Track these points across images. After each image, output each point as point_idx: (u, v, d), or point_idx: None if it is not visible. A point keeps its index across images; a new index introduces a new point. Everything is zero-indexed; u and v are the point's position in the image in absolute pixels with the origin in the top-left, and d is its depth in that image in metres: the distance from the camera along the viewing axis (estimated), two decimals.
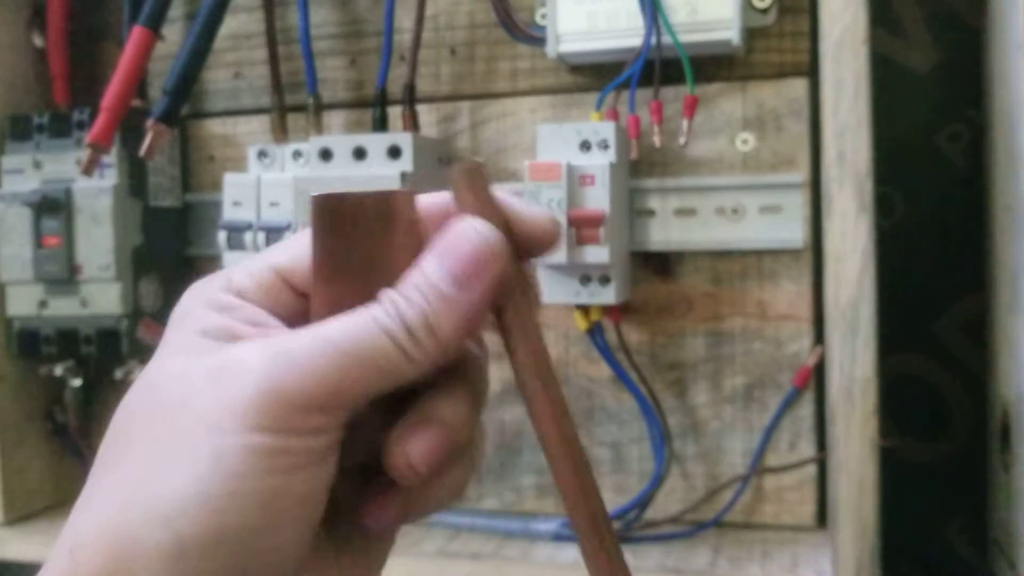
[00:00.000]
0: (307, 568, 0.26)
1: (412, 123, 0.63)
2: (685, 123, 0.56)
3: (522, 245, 0.27)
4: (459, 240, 0.26)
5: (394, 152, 0.60)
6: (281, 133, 0.66)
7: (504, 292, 0.26)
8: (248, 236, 0.62)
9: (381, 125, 0.63)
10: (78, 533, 0.24)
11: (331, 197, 0.25)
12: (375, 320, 0.25)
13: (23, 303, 0.67)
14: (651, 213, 0.61)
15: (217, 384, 0.24)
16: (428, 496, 0.27)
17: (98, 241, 0.64)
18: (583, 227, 0.55)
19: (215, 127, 0.71)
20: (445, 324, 0.25)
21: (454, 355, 0.26)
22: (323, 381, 0.24)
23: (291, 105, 0.66)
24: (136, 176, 0.66)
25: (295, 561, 0.25)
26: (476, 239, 0.26)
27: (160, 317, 0.66)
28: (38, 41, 0.71)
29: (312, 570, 0.27)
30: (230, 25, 0.68)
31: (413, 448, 0.26)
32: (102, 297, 0.65)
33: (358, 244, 0.25)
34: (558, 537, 0.60)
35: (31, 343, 0.67)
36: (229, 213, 0.64)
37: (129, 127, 0.63)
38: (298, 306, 0.27)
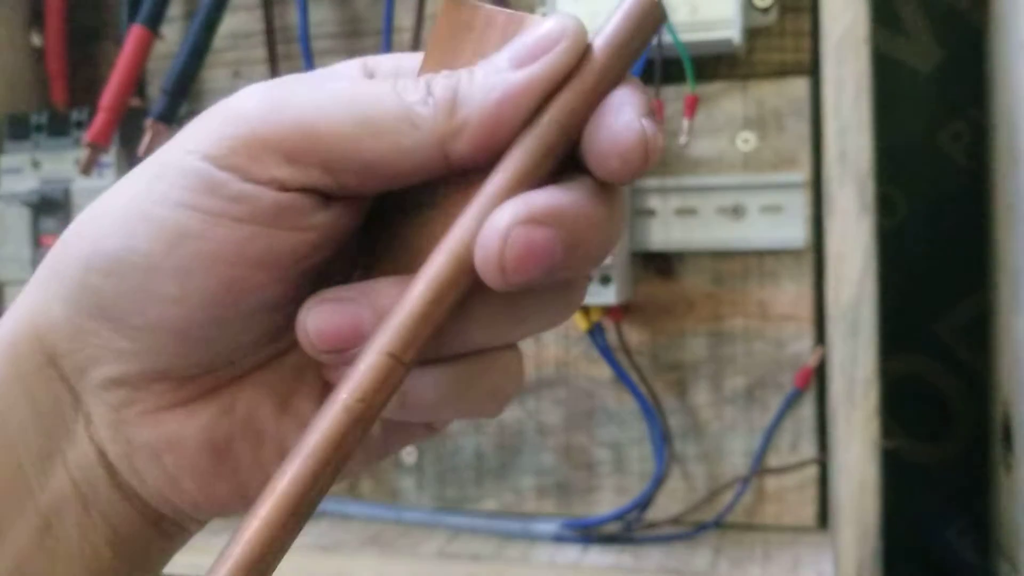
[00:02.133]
0: None
1: None
2: (686, 122, 0.56)
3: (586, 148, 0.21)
4: (536, 25, 0.22)
5: None
6: None
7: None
8: None
9: None
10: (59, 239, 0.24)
11: (466, 4, 0.24)
12: (397, 82, 0.21)
13: None
14: (652, 213, 0.60)
15: (213, 112, 0.22)
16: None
17: None
18: None
19: None
20: (475, 96, 0.21)
21: (470, 152, 0.21)
22: (301, 126, 0.20)
23: None
24: None
25: (221, 345, 0.22)
26: (553, 24, 0.21)
27: None
28: (36, 40, 0.71)
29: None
30: (229, 24, 0.67)
31: (312, 317, 0.21)
32: None
33: (475, 51, 0.23)
34: (558, 538, 0.60)
35: None
36: None
37: (128, 126, 0.63)
38: None
